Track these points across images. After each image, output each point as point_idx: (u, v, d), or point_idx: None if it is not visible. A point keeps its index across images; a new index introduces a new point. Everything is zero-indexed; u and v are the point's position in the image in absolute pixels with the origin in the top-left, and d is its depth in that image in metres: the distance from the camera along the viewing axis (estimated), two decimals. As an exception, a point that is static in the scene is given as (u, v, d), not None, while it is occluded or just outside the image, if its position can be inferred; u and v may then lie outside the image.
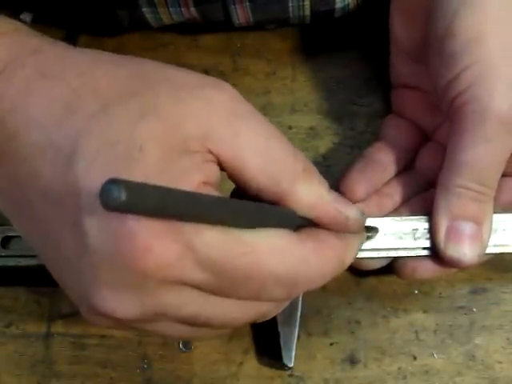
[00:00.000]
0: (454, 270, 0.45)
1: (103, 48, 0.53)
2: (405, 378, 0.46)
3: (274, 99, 0.54)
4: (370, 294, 0.48)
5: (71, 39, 0.56)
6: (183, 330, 0.36)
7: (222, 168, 0.34)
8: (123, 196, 0.25)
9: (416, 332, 0.47)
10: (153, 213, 0.28)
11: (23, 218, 0.36)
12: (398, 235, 0.44)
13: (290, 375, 0.47)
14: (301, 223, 0.36)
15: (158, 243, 0.31)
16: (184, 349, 0.48)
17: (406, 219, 0.44)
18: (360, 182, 0.46)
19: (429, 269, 0.44)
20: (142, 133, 0.32)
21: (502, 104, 0.40)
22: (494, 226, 0.43)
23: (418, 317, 0.48)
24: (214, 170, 0.34)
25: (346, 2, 0.52)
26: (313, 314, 0.48)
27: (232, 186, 0.36)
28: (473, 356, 0.47)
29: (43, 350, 0.48)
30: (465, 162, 0.41)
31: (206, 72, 0.55)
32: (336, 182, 0.47)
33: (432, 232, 0.43)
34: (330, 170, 0.51)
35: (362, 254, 0.44)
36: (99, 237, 0.31)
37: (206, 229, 0.31)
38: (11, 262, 0.45)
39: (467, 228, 0.42)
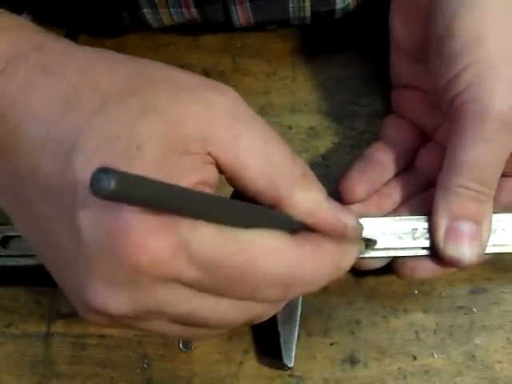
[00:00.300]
0: (453, 270, 0.45)
1: (103, 48, 0.53)
2: (405, 378, 0.46)
3: (274, 99, 0.54)
4: (370, 294, 0.48)
5: (71, 39, 0.56)
6: (178, 329, 0.36)
7: (221, 171, 0.34)
8: (113, 184, 0.25)
9: (416, 332, 0.47)
10: (144, 204, 0.28)
11: (22, 215, 0.36)
12: (398, 235, 0.44)
13: (290, 375, 0.47)
14: (297, 227, 0.36)
15: (152, 239, 0.30)
16: (184, 349, 0.48)
17: (405, 219, 0.44)
18: (360, 181, 0.46)
19: (428, 268, 0.44)
20: (141, 130, 0.32)
21: (502, 104, 0.40)
22: (493, 226, 0.43)
23: (418, 317, 0.48)
24: (213, 172, 0.34)
25: (347, 3, 0.52)
26: (313, 314, 0.48)
27: (230, 191, 0.36)
28: (473, 356, 0.46)
29: (43, 350, 0.48)
30: (464, 161, 0.41)
31: (207, 72, 0.55)
32: (336, 181, 0.47)
33: (431, 232, 0.43)
34: (330, 170, 0.51)
35: (362, 254, 0.44)
36: (93, 230, 0.31)
37: (201, 225, 0.31)
38: (11, 262, 0.45)
39: (467, 228, 0.42)
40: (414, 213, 0.45)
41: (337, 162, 0.52)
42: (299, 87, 0.54)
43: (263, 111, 0.53)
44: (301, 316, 0.45)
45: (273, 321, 0.45)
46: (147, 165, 0.31)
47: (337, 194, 0.46)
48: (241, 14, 0.52)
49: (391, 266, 0.45)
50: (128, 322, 0.35)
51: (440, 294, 0.48)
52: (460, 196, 0.42)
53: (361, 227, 0.40)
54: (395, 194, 0.47)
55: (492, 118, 0.40)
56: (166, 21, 0.53)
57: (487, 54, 0.41)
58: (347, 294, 0.48)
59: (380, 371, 0.46)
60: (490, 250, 0.44)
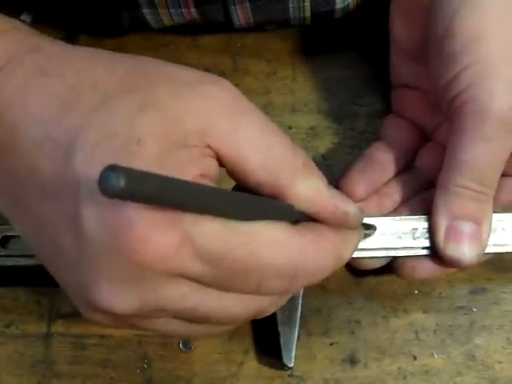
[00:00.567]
0: (453, 270, 0.45)
1: (103, 48, 0.53)
2: (405, 378, 0.46)
3: (274, 99, 0.54)
4: (370, 293, 0.48)
5: (71, 39, 0.56)
6: (181, 327, 0.36)
7: (221, 163, 0.34)
8: (122, 182, 0.25)
9: (416, 332, 0.47)
10: (152, 200, 0.28)
11: (21, 216, 0.36)
12: (398, 235, 0.44)
13: (290, 375, 0.47)
14: (299, 217, 0.36)
15: (156, 235, 0.30)
16: (184, 349, 0.48)
17: (405, 219, 0.44)
18: (360, 181, 0.46)
19: (428, 268, 0.44)
20: (141, 126, 0.32)
21: (502, 104, 0.40)
22: (493, 226, 0.43)
23: (418, 317, 0.48)
24: (213, 165, 0.34)
25: (346, 3, 0.52)
26: (313, 314, 0.48)
27: (230, 185, 0.36)
28: (473, 356, 0.46)
29: (43, 350, 0.48)
30: (464, 161, 0.41)
31: (207, 72, 0.55)
32: (336, 181, 0.47)
33: (431, 231, 0.43)
34: (330, 170, 0.51)
35: (361, 254, 0.44)
36: (97, 227, 0.31)
37: (204, 220, 0.31)
38: (10, 262, 0.45)
39: (467, 228, 0.42)
40: (413, 213, 0.45)
41: (337, 162, 0.52)
42: (299, 87, 0.54)
43: (263, 111, 0.52)
44: (301, 316, 0.45)
45: (273, 321, 0.45)
46: (147, 159, 0.31)
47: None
48: (241, 15, 0.52)
49: (391, 266, 0.45)
50: (132, 321, 0.35)
51: (440, 294, 0.48)
52: (460, 196, 0.42)
53: (361, 214, 0.40)
54: (395, 194, 0.47)
55: (492, 117, 0.40)
56: (166, 21, 0.53)
57: (487, 54, 0.41)
58: (347, 294, 0.48)
59: (380, 371, 0.46)
60: (490, 249, 0.44)
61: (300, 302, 0.46)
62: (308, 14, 0.52)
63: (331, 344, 0.47)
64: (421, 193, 0.47)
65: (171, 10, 0.52)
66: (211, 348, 0.48)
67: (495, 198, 0.43)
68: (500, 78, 0.41)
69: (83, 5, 0.53)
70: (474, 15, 0.41)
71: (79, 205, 0.31)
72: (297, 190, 0.35)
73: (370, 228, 0.43)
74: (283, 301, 0.40)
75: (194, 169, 0.33)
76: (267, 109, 0.53)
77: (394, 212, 0.46)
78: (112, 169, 0.25)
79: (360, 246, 0.42)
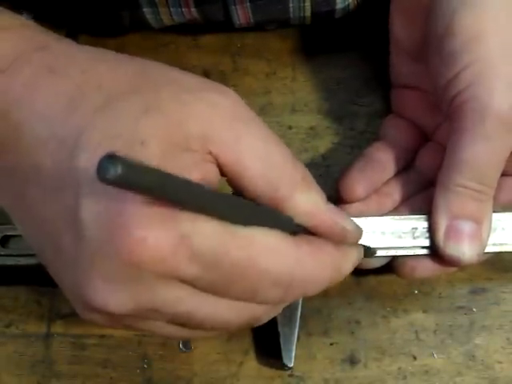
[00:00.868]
0: (453, 269, 0.45)
1: (103, 48, 0.53)
2: (405, 378, 0.46)
3: (274, 99, 0.54)
4: (370, 293, 0.48)
5: (71, 39, 0.56)
6: (177, 331, 0.36)
7: (222, 172, 0.34)
8: (120, 169, 0.25)
9: (416, 332, 0.47)
10: (149, 192, 0.28)
11: (23, 215, 0.36)
12: (398, 234, 0.44)
13: (290, 375, 0.47)
14: (297, 230, 0.36)
15: (154, 235, 0.30)
16: (184, 349, 0.48)
17: (405, 218, 0.44)
18: (359, 181, 0.46)
19: (428, 268, 0.44)
20: (144, 127, 0.32)
21: (502, 103, 0.40)
22: (493, 225, 0.43)
23: (418, 317, 0.48)
24: (213, 171, 0.34)
25: (347, 3, 0.52)
26: (313, 314, 0.48)
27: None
28: (473, 356, 0.46)
29: (43, 350, 0.48)
30: (464, 160, 0.41)
31: (207, 72, 0.55)
32: (336, 181, 0.47)
33: (431, 231, 0.43)
34: (330, 170, 0.51)
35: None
36: (94, 226, 0.31)
37: (202, 220, 0.31)
38: (10, 261, 0.45)
39: (466, 227, 0.42)
40: (413, 212, 0.45)
41: (337, 162, 0.52)
42: (299, 87, 0.54)
43: (263, 111, 0.53)
44: (301, 316, 0.45)
45: (273, 321, 0.44)
46: (149, 160, 0.31)
47: (337, 194, 0.46)
48: (241, 14, 0.52)
49: (391, 266, 0.45)
50: (128, 321, 0.35)
51: (440, 294, 0.48)
52: (460, 195, 0.42)
53: (360, 231, 0.39)
54: (395, 194, 0.47)
55: (492, 116, 0.40)
56: (166, 20, 0.53)
57: (487, 53, 0.41)
58: (347, 294, 0.48)
59: (380, 371, 0.46)
60: (489, 249, 0.44)
61: (300, 302, 0.46)
62: (308, 13, 0.52)
63: (331, 344, 0.47)
64: (421, 192, 0.47)
65: (171, 9, 0.52)
66: (211, 348, 0.48)
67: (495, 198, 0.43)
68: (500, 77, 0.41)
69: (83, 4, 0.53)
70: (474, 14, 0.41)
71: (79, 203, 0.31)
72: (296, 202, 0.35)
73: (370, 251, 0.43)
74: (278, 310, 0.39)
75: (195, 173, 0.33)
76: (267, 109, 0.54)
77: (394, 211, 0.46)
78: (111, 157, 0.25)
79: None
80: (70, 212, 0.32)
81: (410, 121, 0.50)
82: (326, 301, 0.48)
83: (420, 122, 0.49)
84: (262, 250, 0.33)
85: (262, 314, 0.37)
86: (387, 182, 0.47)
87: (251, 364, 0.47)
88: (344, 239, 0.38)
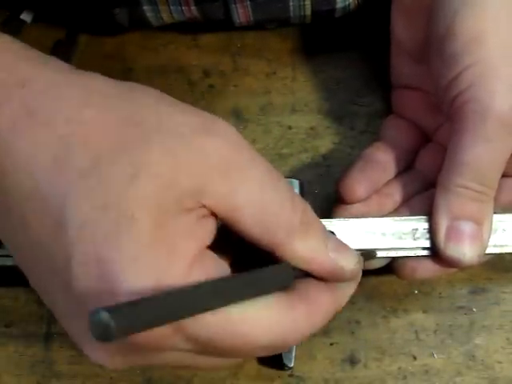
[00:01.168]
0: (453, 270, 0.45)
1: (103, 48, 0.53)
2: (405, 378, 0.46)
3: (274, 99, 0.54)
4: (370, 293, 0.48)
5: (71, 39, 0.56)
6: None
7: (217, 218, 0.34)
8: (113, 329, 0.26)
9: (416, 332, 0.47)
10: (145, 328, 0.28)
11: (15, 254, 0.36)
12: (398, 235, 0.44)
13: (290, 375, 0.47)
14: (295, 275, 0.36)
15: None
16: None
17: (405, 219, 0.44)
18: (360, 181, 0.46)
19: (428, 269, 0.44)
20: (134, 197, 0.31)
21: (503, 104, 0.40)
22: (493, 227, 0.43)
23: (418, 317, 0.48)
24: (209, 227, 0.34)
25: (347, 2, 0.52)
26: (313, 314, 0.48)
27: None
28: (473, 356, 0.47)
29: (43, 350, 0.48)
30: (465, 161, 0.41)
31: (207, 72, 0.55)
32: (336, 181, 0.47)
33: (432, 232, 0.43)
34: (331, 170, 0.51)
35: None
36: (89, 305, 0.31)
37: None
38: (10, 262, 0.44)
39: (467, 228, 0.42)
40: (414, 213, 0.45)
41: (337, 162, 0.51)
42: (299, 87, 0.54)
43: (263, 111, 0.53)
44: (301, 316, 0.45)
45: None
46: (141, 237, 0.31)
47: (337, 194, 0.46)
48: (241, 13, 0.52)
49: (391, 267, 0.45)
50: None
51: (440, 294, 0.48)
52: (460, 196, 0.42)
53: (360, 265, 0.40)
54: (396, 194, 0.47)
55: (492, 118, 0.40)
56: (166, 18, 0.53)
57: (488, 55, 0.41)
58: (347, 294, 0.48)
59: (380, 371, 0.47)
60: (490, 250, 0.43)
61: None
62: (308, 12, 0.52)
63: (331, 344, 0.47)
64: (421, 193, 0.47)
65: (171, 8, 0.51)
66: (211, 348, 0.48)
67: (495, 199, 0.43)
68: (500, 79, 0.41)
69: (83, 3, 0.53)
70: (475, 15, 0.41)
71: (71, 282, 0.31)
72: (293, 248, 0.36)
73: (370, 254, 0.43)
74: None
75: (190, 247, 0.33)
76: (267, 109, 0.53)
77: (395, 212, 0.46)
78: (99, 316, 0.26)
79: (360, 247, 0.42)
80: (61, 279, 0.32)
81: (410, 121, 0.50)
82: (326, 301, 0.48)
83: (421, 123, 0.49)
84: (257, 328, 0.34)
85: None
86: (388, 183, 0.47)
87: (251, 364, 0.47)
88: (343, 279, 0.38)
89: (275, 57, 0.55)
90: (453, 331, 0.47)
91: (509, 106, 0.40)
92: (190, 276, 0.32)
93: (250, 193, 0.34)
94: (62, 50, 0.56)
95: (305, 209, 0.37)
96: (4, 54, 0.35)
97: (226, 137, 0.34)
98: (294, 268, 0.36)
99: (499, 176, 0.42)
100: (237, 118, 0.53)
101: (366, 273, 0.46)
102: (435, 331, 0.47)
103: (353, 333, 0.47)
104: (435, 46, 0.43)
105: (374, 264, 0.45)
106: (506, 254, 0.45)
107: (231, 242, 0.37)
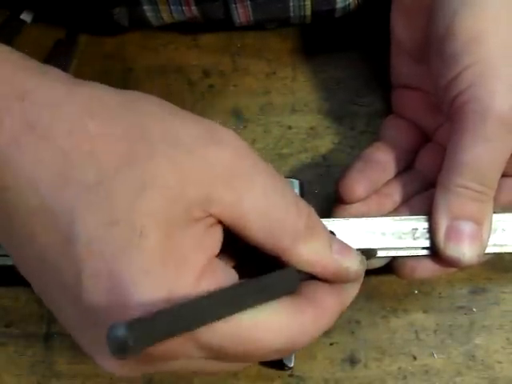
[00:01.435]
0: (453, 270, 0.44)
1: (103, 48, 0.53)
2: (405, 378, 0.46)
3: (274, 99, 0.54)
4: (370, 293, 0.48)
5: (71, 39, 0.56)
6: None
7: (223, 224, 0.35)
8: (131, 342, 0.26)
9: (416, 332, 0.47)
10: (159, 340, 0.29)
11: (20, 265, 0.36)
12: (398, 235, 0.44)
13: (290, 375, 0.47)
14: (301, 278, 0.37)
15: None
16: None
17: (405, 219, 0.44)
18: (360, 181, 0.46)
19: (428, 268, 0.44)
20: (141, 212, 0.31)
21: (503, 104, 0.40)
22: (493, 226, 0.43)
23: (418, 317, 0.48)
24: (217, 235, 0.35)
25: (347, 2, 0.52)
26: (313, 314, 0.48)
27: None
28: (473, 356, 0.46)
29: (43, 350, 0.48)
30: (465, 161, 0.41)
31: (207, 72, 0.55)
32: (336, 181, 0.47)
33: (432, 231, 0.43)
34: (331, 170, 0.51)
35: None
36: (100, 318, 0.32)
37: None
38: (10, 262, 0.44)
39: (467, 228, 0.42)
40: (414, 213, 0.45)
41: (337, 162, 0.51)
42: (299, 87, 0.54)
43: (263, 111, 0.53)
44: (301, 316, 0.45)
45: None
46: (151, 250, 0.31)
47: (337, 194, 0.46)
48: (241, 13, 0.52)
49: (391, 266, 0.45)
50: None
51: (440, 294, 0.48)
52: (460, 196, 0.42)
53: (364, 265, 0.40)
54: (395, 194, 0.47)
55: (492, 118, 0.40)
56: (166, 18, 0.53)
57: (488, 54, 0.41)
58: (347, 294, 0.48)
59: (380, 371, 0.46)
60: (490, 250, 0.43)
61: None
62: (308, 12, 0.52)
63: (331, 344, 0.47)
64: (421, 193, 0.46)
65: (172, 7, 0.51)
66: (211, 348, 0.48)
67: (495, 199, 0.43)
68: (500, 79, 0.40)
69: (83, 3, 0.53)
70: (475, 15, 0.41)
71: (81, 293, 0.32)
72: (298, 252, 0.36)
73: (371, 252, 0.43)
74: None
75: (199, 257, 0.33)
76: (267, 109, 0.53)
77: (395, 212, 0.46)
78: (117, 332, 0.26)
79: (360, 247, 0.42)
80: (71, 293, 0.32)
81: (410, 121, 0.50)
82: (326, 301, 0.48)
83: (420, 123, 0.49)
84: (267, 333, 0.34)
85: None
86: (387, 183, 0.47)
87: (251, 364, 0.47)
88: (347, 280, 0.39)
89: (275, 57, 0.55)
90: (453, 331, 0.47)
91: (509, 105, 0.40)
92: (200, 286, 0.32)
93: (255, 199, 0.34)
94: (62, 50, 0.56)
95: (309, 213, 0.37)
96: (3, 64, 0.35)
97: (228, 144, 0.35)
98: (300, 271, 0.37)
99: (499, 176, 0.42)
100: (237, 117, 0.53)
101: (366, 273, 0.46)
102: (435, 331, 0.47)
103: (353, 333, 0.47)
104: (435, 45, 0.43)
105: (374, 264, 0.45)
106: (505, 253, 0.45)
107: (236, 246, 0.37)
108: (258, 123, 0.53)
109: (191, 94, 0.54)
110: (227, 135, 0.35)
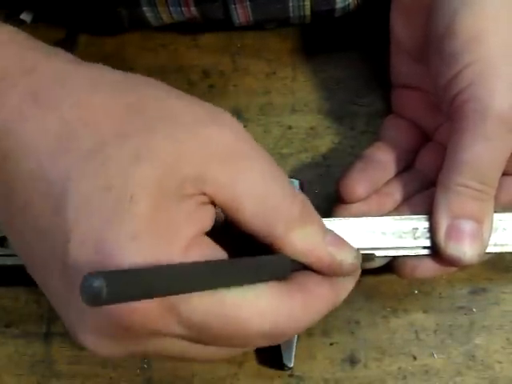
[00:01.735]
0: (453, 269, 0.45)
1: (103, 48, 0.53)
2: (405, 378, 0.46)
3: (274, 99, 0.54)
4: (370, 293, 0.48)
5: (71, 39, 0.56)
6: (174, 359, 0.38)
7: (216, 205, 0.34)
8: (104, 292, 0.25)
9: (416, 332, 0.47)
10: (137, 298, 0.28)
11: (14, 240, 0.36)
12: (398, 234, 0.44)
13: (290, 375, 0.47)
14: (294, 268, 0.36)
15: (143, 306, 0.31)
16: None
17: (405, 218, 0.44)
18: (360, 181, 0.46)
19: (429, 268, 0.44)
20: (134, 179, 0.31)
21: (503, 103, 0.40)
22: (494, 225, 0.43)
23: (418, 317, 0.48)
24: (208, 214, 0.34)
25: (347, 2, 0.52)
26: (313, 313, 0.48)
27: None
28: (473, 356, 0.46)
29: (43, 350, 0.48)
30: (465, 160, 0.41)
31: (206, 72, 0.55)
32: (336, 181, 0.47)
33: (432, 231, 0.43)
34: (331, 170, 0.51)
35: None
36: None
37: (190, 295, 0.32)
38: (10, 261, 0.44)
39: (468, 227, 0.42)
40: (414, 212, 0.45)
41: (337, 162, 0.51)
42: (299, 87, 0.54)
43: (263, 111, 0.53)
44: (301, 316, 0.45)
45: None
46: (140, 218, 0.31)
47: (337, 194, 0.46)
48: (240, 13, 0.52)
49: (391, 266, 0.45)
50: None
51: (440, 294, 0.48)
52: (461, 195, 0.42)
53: (358, 260, 0.40)
54: (396, 194, 0.47)
55: (492, 116, 0.40)
56: (166, 19, 0.53)
57: (487, 53, 0.41)
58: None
59: (380, 371, 0.46)
60: (490, 249, 0.43)
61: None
62: (308, 12, 0.52)
63: (331, 344, 0.47)
64: (421, 192, 0.46)
65: (171, 9, 0.52)
66: (211, 348, 0.47)
67: (496, 198, 0.43)
68: (500, 77, 0.41)
69: (83, 3, 0.53)
70: (475, 14, 0.41)
71: (68, 262, 0.32)
72: (292, 240, 0.36)
73: (369, 256, 0.43)
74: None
75: (190, 230, 0.33)
76: (267, 109, 0.53)
77: (395, 211, 0.46)
78: (91, 280, 0.25)
79: (360, 247, 0.42)
80: (59, 260, 0.32)
81: (410, 121, 0.50)
82: (326, 301, 0.48)
83: (420, 122, 0.49)
84: (253, 314, 0.34)
85: (252, 348, 0.39)
86: (388, 182, 0.47)
87: (251, 364, 0.47)
88: (341, 273, 0.38)
89: (275, 57, 0.55)
90: (453, 331, 0.47)
91: (509, 104, 0.40)
92: (186, 257, 0.32)
93: (251, 183, 0.34)
94: (62, 50, 0.56)
95: (304, 202, 0.37)
96: (9, 44, 0.36)
97: (229, 127, 0.35)
98: (293, 261, 0.36)
99: (499, 175, 0.42)
100: (237, 117, 0.52)
101: (366, 272, 0.47)
102: (435, 331, 0.47)
103: (353, 333, 0.47)
104: (435, 44, 0.43)
105: (374, 263, 0.45)
106: (506, 253, 0.45)
107: (230, 237, 0.36)
108: (257, 123, 0.53)
109: (191, 94, 0.54)
110: (228, 119, 0.35)
